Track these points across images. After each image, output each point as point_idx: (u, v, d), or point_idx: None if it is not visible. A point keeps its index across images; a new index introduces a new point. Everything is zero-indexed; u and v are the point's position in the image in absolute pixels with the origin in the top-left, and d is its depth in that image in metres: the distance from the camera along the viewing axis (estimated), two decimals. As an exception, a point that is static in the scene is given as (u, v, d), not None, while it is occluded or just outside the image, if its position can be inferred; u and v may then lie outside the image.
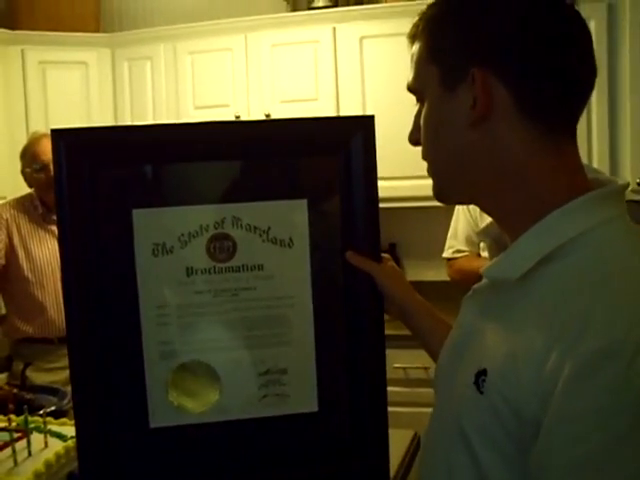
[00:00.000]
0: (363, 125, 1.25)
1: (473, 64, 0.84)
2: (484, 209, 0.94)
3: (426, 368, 3.06)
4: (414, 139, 0.95)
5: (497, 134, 0.85)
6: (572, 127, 0.88)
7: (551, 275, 0.81)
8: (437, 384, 1.00)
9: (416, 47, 0.92)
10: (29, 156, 2.88)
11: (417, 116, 0.94)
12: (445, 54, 0.88)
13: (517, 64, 0.83)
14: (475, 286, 0.95)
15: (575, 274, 0.79)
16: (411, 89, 0.94)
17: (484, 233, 1.00)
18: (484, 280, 0.93)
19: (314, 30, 3.55)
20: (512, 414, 0.77)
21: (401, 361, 3.08)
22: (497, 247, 0.92)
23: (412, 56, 0.93)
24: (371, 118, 1.25)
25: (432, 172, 0.94)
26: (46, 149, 2.70)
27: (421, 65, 0.91)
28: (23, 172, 2.93)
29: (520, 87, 0.84)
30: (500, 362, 0.80)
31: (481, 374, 0.82)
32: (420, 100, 0.93)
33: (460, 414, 0.85)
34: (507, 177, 0.86)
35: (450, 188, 0.94)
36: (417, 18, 0.92)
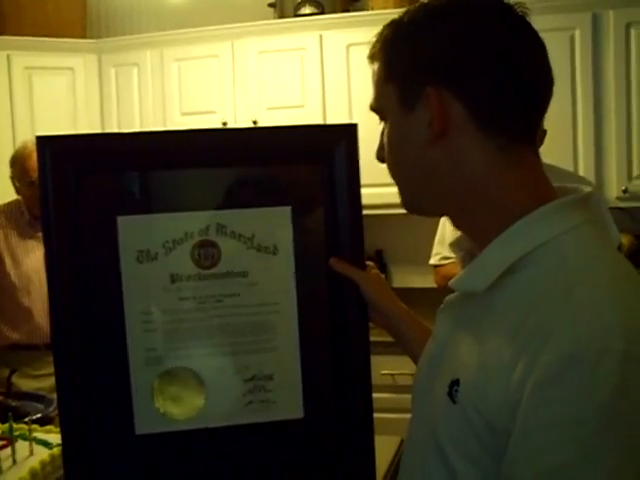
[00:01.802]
0: (347, 133, 1.25)
1: (427, 82, 0.85)
2: (453, 223, 0.95)
3: (413, 374, 3.06)
4: (380, 157, 0.96)
5: (457, 150, 0.86)
6: (532, 138, 0.88)
7: (516, 286, 0.82)
8: (414, 396, 1.00)
9: (375, 67, 0.93)
10: (19, 170, 2.86)
11: (382, 134, 0.95)
12: (401, 74, 0.89)
13: (469, 79, 0.84)
14: (447, 298, 0.96)
15: (539, 284, 0.80)
16: (373, 109, 0.95)
17: (455, 245, 1.00)
18: (455, 292, 0.93)
19: (301, 37, 3.55)
20: (485, 425, 0.77)
21: (389, 367, 3.07)
22: (469, 259, 0.93)
23: (372, 76, 0.94)
24: (354, 126, 1.26)
25: (399, 188, 0.96)
26: (35, 166, 2.68)
27: (380, 85, 0.93)
28: (12, 181, 2.92)
29: (475, 102, 0.84)
30: (472, 373, 0.81)
31: (454, 384, 0.83)
32: (383, 119, 0.94)
33: (435, 425, 0.86)
34: (470, 191, 0.87)
35: (417, 202, 0.95)
36: (375, 39, 0.93)
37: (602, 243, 0.85)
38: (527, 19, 0.87)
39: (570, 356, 0.71)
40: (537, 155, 0.89)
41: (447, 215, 0.95)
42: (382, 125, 0.95)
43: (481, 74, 0.84)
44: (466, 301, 0.90)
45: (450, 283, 0.91)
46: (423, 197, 0.93)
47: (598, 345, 0.70)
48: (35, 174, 2.69)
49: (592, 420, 0.69)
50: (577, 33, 3.18)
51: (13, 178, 2.91)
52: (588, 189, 0.89)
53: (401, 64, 0.89)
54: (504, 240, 0.84)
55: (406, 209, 0.97)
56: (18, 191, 2.91)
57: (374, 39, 0.94)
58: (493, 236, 0.85)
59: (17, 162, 2.88)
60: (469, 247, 0.95)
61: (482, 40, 0.84)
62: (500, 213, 0.85)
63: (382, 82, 0.92)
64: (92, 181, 1.21)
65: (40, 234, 2.89)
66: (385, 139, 0.94)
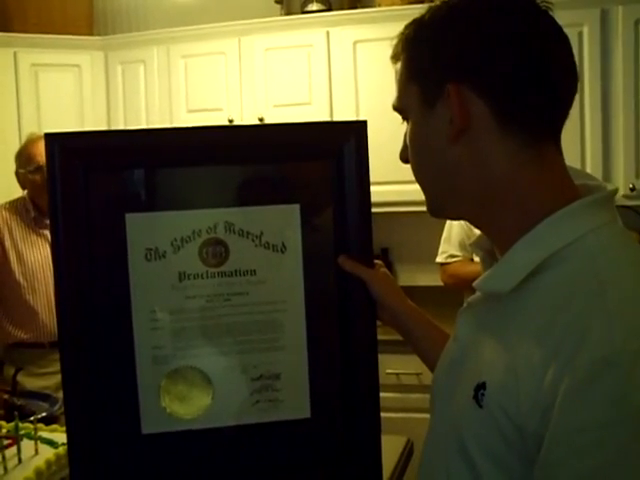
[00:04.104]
0: (356, 130, 1.24)
1: (448, 79, 0.85)
2: (475, 224, 0.94)
3: (418, 374, 3.05)
4: (404, 157, 0.96)
5: (478, 148, 0.85)
6: (555, 135, 0.87)
7: (544, 286, 0.81)
8: (435, 399, 0.99)
9: (397, 67, 0.93)
10: (24, 157, 2.87)
11: (405, 135, 0.95)
12: (422, 72, 0.89)
13: (490, 76, 0.83)
14: (469, 299, 0.94)
15: (568, 284, 0.78)
16: (396, 108, 0.95)
17: (476, 246, 0.99)
18: (478, 293, 0.92)
19: (308, 34, 3.55)
20: (514, 428, 0.76)
21: (393, 367, 3.07)
22: (490, 259, 0.92)
23: (395, 76, 0.94)
24: (364, 123, 1.25)
25: (423, 188, 0.95)
26: (42, 151, 2.66)
27: (402, 84, 0.92)
28: (17, 173, 2.92)
29: (496, 99, 0.84)
30: (499, 376, 0.80)
31: (480, 387, 0.82)
32: (405, 119, 0.94)
33: (460, 428, 0.85)
34: (492, 190, 0.86)
35: (441, 203, 0.94)
36: (397, 39, 0.93)
37: (628, 242, 0.84)
38: (550, 14, 0.86)
39: (605, 359, 0.70)
40: (560, 153, 0.88)
41: (469, 218, 0.94)
42: (405, 125, 0.95)
43: (502, 71, 0.83)
44: (490, 302, 0.89)
45: (474, 284, 0.90)
46: (446, 198, 0.92)
47: (633, 347, 0.70)
48: (41, 159, 2.70)
49: (629, 422, 0.68)
50: (585, 29, 3.16)
51: (18, 171, 2.90)
52: (611, 187, 0.88)
53: (422, 62, 0.88)
54: (530, 240, 0.83)
55: (430, 213, 0.96)
56: (23, 184, 2.91)
57: (396, 39, 0.93)
58: (516, 236, 0.84)
59: (23, 151, 2.89)
60: (489, 247, 0.94)
61: (503, 37, 0.83)
62: (523, 212, 0.85)
63: (404, 81, 0.92)
64: (100, 178, 1.20)
65: (46, 231, 2.92)
66: (408, 139, 0.93)
